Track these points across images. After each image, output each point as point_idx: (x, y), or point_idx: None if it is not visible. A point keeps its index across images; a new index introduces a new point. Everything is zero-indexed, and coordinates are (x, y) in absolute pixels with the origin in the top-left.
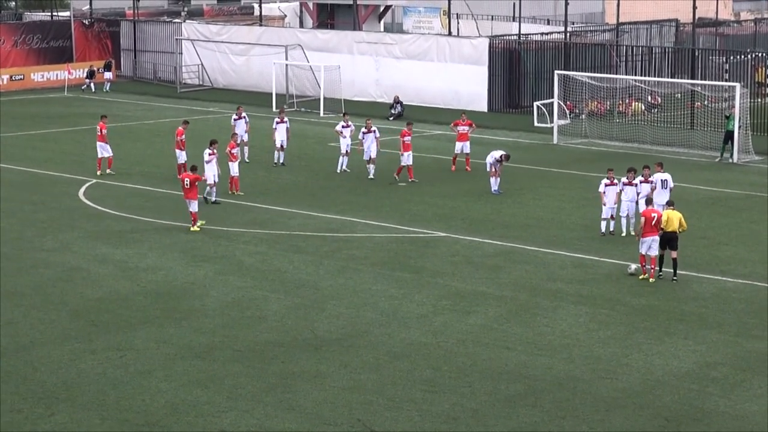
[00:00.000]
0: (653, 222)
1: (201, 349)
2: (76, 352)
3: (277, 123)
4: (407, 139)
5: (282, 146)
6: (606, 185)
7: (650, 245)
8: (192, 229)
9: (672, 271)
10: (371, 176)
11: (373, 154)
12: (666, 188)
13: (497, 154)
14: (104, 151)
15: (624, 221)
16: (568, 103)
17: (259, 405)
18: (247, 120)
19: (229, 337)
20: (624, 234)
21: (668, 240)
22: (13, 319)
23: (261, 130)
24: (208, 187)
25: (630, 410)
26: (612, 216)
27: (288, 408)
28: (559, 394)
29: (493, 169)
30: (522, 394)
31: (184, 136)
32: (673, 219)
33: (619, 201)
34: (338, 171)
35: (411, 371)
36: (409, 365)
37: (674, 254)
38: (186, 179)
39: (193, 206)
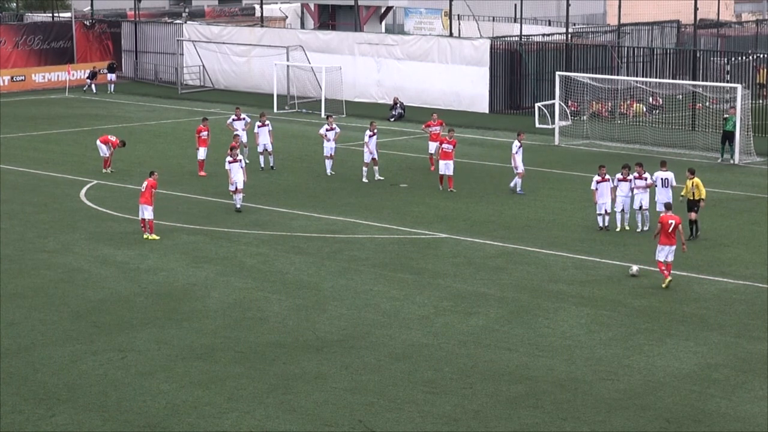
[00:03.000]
0: (670, 229)
1: (202, 351)
2: (77, 353)
3: (259, 127)
4: (446, 147)
5: (266, 149)
6: (597, 182)
7: (667, 253)
8: (150, 237)
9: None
10: (365, 179)
11: (376, 156)
12: (667, 187)
13: (517, 142)
14: (102, 151)
15: (618, 216)
16: (570, 103)
17: (260, 406)
18: (248, 121)
19: (231, 338)
20: (618, 229)
21: (695, 203)
22: (15, 321)
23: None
24: (233, 195)
25: (631, 411)
26: (606, 211)
27: (289, 409)
28: (561, 396)
29: (521, 163)
30: (523, 395)
31: (205, 134)
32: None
33: (614, 197)
34: (328, 174)
35: (412, 372)
36: (410, 366)
37: (694, 216)
38: (144, 183)
39: (147, 213)
